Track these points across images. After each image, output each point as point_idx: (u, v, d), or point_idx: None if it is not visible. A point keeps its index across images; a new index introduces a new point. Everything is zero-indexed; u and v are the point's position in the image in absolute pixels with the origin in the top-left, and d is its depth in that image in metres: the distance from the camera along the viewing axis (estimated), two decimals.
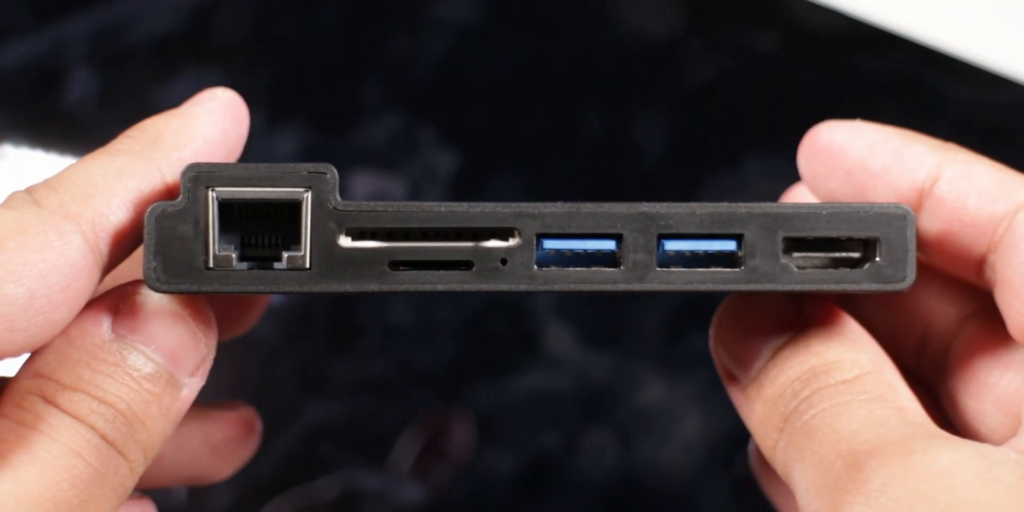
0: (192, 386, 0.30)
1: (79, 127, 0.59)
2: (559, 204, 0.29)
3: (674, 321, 0.58)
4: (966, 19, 0.60)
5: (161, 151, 0.30)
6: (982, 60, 0.59)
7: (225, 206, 0.29)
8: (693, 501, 0.56)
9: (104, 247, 0.29)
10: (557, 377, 0.57)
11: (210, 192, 0.29)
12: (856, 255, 0.30)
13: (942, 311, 0.34)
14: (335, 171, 0.29)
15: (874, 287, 0.30)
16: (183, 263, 0.29)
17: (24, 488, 0.27)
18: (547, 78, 0.61)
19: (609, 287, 0.29)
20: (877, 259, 0.30)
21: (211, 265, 0.29)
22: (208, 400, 0.54)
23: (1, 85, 0.60)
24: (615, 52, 0.62)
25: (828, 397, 0.29)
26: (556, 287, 0.29)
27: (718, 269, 0.30)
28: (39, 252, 0.27)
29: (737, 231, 0.30)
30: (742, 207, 0.30)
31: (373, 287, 0.29)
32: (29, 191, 0.29)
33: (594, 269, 0.29)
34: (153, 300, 0.29)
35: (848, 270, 0.30)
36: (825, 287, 0.30)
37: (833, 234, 0.30)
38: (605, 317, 0.59)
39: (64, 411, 0.28)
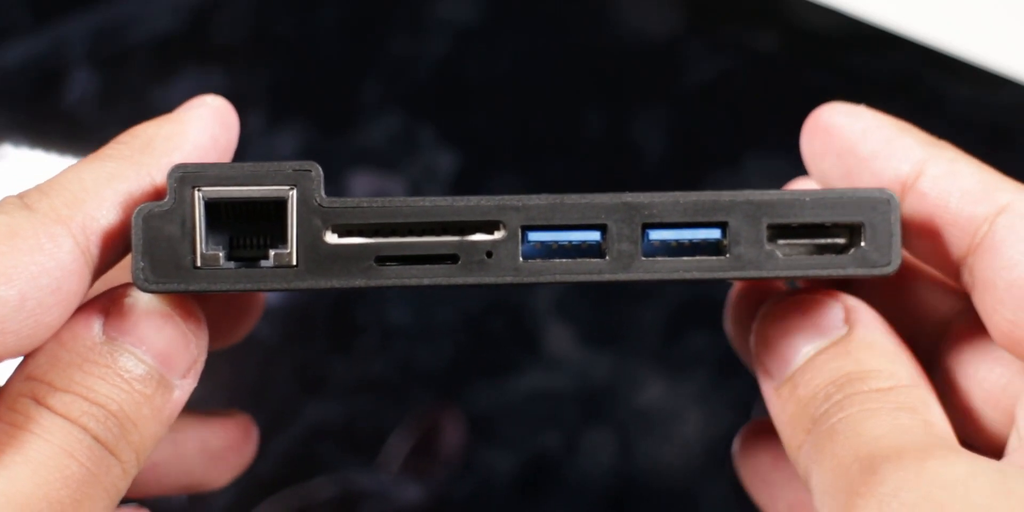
0: (184, 388, 0.30)
1: (79, 127, 0.59)
2: (543, 196, 0.29)
3: (674, 321, 0.58)
4: (966, 19, 0.60)
5: (151, 156, 0.30)
6: (982, 60, 0.59)
7: (212, 206, 0.29)
8: (693, 501, 0.56)
9: (95, 250, 0.29)
10: (557, 377, 0.57)
11: (196, 192, 0.29)
12: (841, 241, 0.30)
13: (932, 306, 0.34)
14: (319, 169, 0.29)
15: (860, 272, 0.30)
16: (171, 263, 0.29)
17: (16, 488, 0.27)
18: (547, 78, 0.61)
19: (595, 277, 0.30)
20: (862, 244, 0.30)
21: (198, 264, 0.29)
22: (208, 400, 0.54)
23: (1, 85, 0.60)
24: (615, 52, 0.62)
25: (858, 402, 0.29)
26: (542, 279, 0.29)
27: (703, 257, 0.30)
28: (30, 255, 0.28)
29: (721, 219, 0.30)
30: (725, 195, 0.30)
31: (360, 282, 0.29)
32: (21, 196, 0.29)
33: (579, 260, 0.30)
34: (143, 302, 0.30)
35: (833, 255, 0.30)
36: (811, 273, 0.30)
37: (817, 220, 0.30)
38: (605, 317, 0.59)
39: (56, 412, 0.28)
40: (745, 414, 0.56)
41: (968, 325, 0.33)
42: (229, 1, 0.61)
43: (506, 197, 0.29)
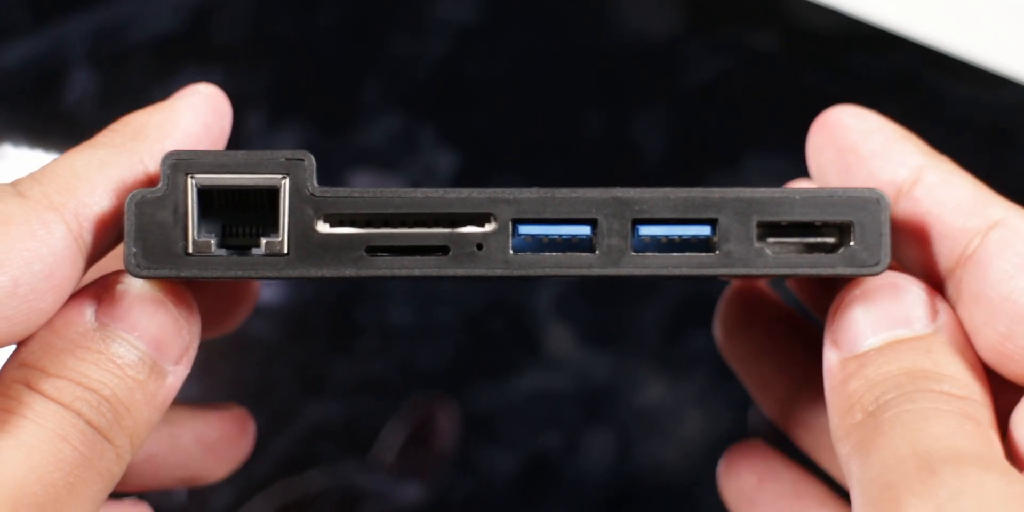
0: (177, 374, 0.30)
1: (79, 127, 0.59)
2: (534, 189, 0.30)
3: (674, 320, 0.58)
4: (966, 19, 0.60)
5: (143, 143, 0.30)
6: (982, 60, 0.59)
7: (204, 193, 0.29)
8: (693, 501, 0.56)
9: (88, 236, 0.29)
10: (557, 377, 0.57)
11: (189, 179, 0.29)
12: (831, 240, 0.30)
13: None
14: (312, 158, 0.29)
15: (848, 271, 0.30)
16: (163, 249, 0.29)
17: (10, 471, 0.27)
18: (547, 78, 0.61)
19: (584, 272, 0.30)
20: (852, 243, 0.30)
21: (190, 251, 0.29)
22: (208, 400, 0.54)
23: (1, 85, 0.60)
24: (615, 52, 0.62)
25: (929, 400, 0.29)
26: (532, 272, 0.30)
27: (693, 254, 0.30)
28: (22, 241, 0.28)
29: (711, 216, 0.30)
30: (715, 192, 0.30)
31: (350, 272, 0.29)
32: (13, 184, 0.29)
33: (569, 254, 0.30)
34: (135, 288, 0.30)
35: (822, 254, 0.30)
36: (799, 271, 0.30)
37: (807, 219, 0.30)
38: (605, 317, 0.59)
39: (49, 398, 0.28)
40: (745, 414, 0.56)
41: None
42: (229, 1, 0.61)
43: (497, 190, 0.29)
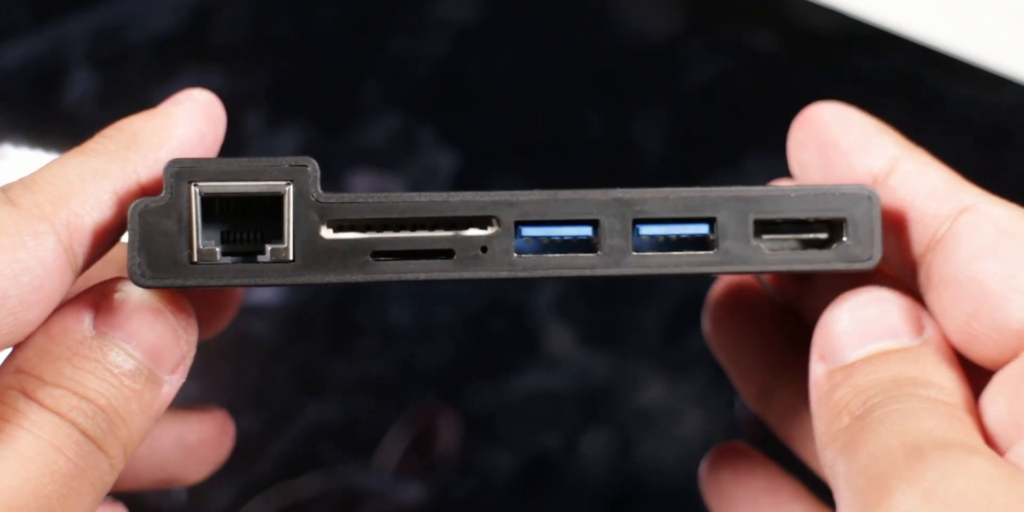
0: (172, 383, 0.30)
1: (79, 127, 0.59)
2: (536, 192, 0.30)
3: (674, 321, 0.58)
4: (966, 19, 0.60)
5: (137, 152, 0.30)
6: (982, 60, 0.59)
7: (207, 200, 0.29)
8: (693, 501, 0.56)
9: (78, 248, 0.29)
10: (557, 377, 0.57)
11: (192, 187, 0.29)
12: (823, 236, 0.31)
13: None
14: (315, 164, 0.29)
15: (842, 266, 0.31)
16: (167, 258, 0.29)
17: (5, 482, 0.27)
18: (547, 78, 0.61)
19: (587, 272, 0.30)
20: (844, 239, 0.31)
21: (195, 259, 0.29)
22: (209, 400, 0.54)
23: (1, 85, 0.60)
24: (615, 52, 0.62)
25: (916, 401, 0.29)
26: (536, 273, 0.30)
27: (692, 252, 0.30)
28: (12, 252, 0.28)
29: (709, 214, 0.30)
30: (714, 191, 0.30)
31: (357, 277, 0.29)
32: (4, 190, 0.29)
33: (572, 255, 0.30)
34: (134, 297, 0.30)
35: (817, 251, 0.31)
36: (795, 267, 0.31)
37: (802, 216, 0.31)
38: (605, 317, 0.59)
39: (44, 407, 0.28)
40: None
41: None
42: (229, 1, 0.61)
43: (501, 193, 0.30)
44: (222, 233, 0.30)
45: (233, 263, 0.29)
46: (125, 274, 0.31)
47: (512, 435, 0.57)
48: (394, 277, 0.30)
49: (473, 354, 0.58)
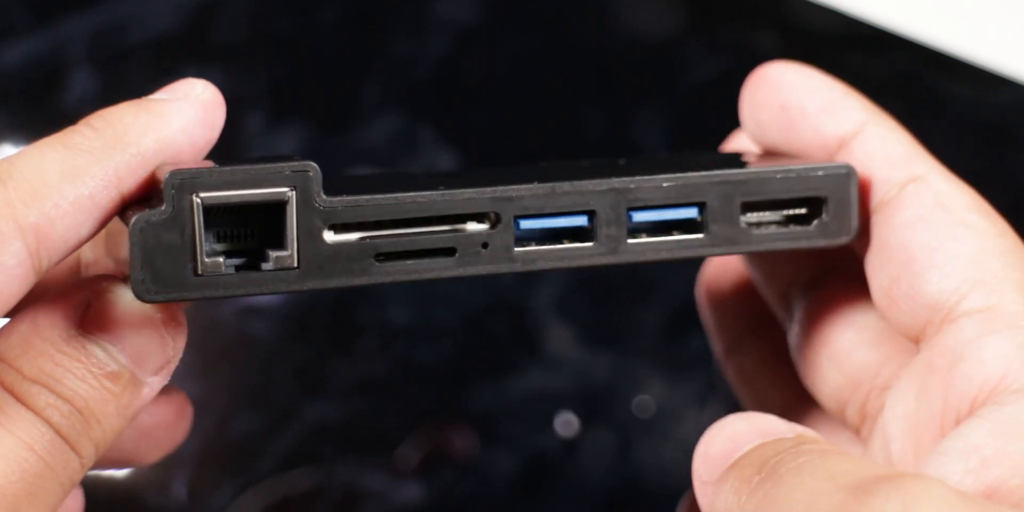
0: (153, 385, 0.30)
1: None
2: (536, 185, 0.30)
3: (674, 321, 0.58)
4: (966, 19, 0.60)
5: (123, 152, 0.29)
6: (982, 60, 0.59)
7: (208, 209, 0.28)
8: None
9: (44, 252, 0.28)
10: (557, 377, 0.57)
11: (194, 198, 0.28)
12: (802, 211, 0.32)
13: (806, 264, 0.36)
14: (317, 168, 0.29)
15: (822, 242, 0.32)
16: (171, 272, 0.28)
17: None
18: (547, 78, 0.61)
19: (585, 262, 0.31)
20: (823, 216, 0.32)
21: (200, 272, 0.28)
22: (208, 400, 0.54)
23: (1, 85, 0.60)
24: (615, 52, 0.62)
25: (816, 453, 0.28)
26: (537, 266, 0.30)
27: (684, 237, 0.31)
28: None
29: (700, 199, 0.31)
30: (704, 177, 0.31)
31: (362, 281, 0.29)
32: None
33: (570, 246, 0.31)
34: (125, 299, 0.29)
35: (799, 228, 0.32)
36: (779, 246, 0.32)
37: (786, 196, 0.32)
38: (605, 317, 0.59)
39: (22, 402, 0.28)
40: None
41: (835, 285, 0.35)
42: (229, 1, 0.61)
43: (500, 188, 0.30)
44: (223, 240, 0.29)
45: (237, 274, 0.29)
46: (105, 260, 0.30)
47: (512, 435, 0.57)
48: (399, 278, 0.30)
49: (473, 354, 0.58)
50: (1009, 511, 0.26)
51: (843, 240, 0.32)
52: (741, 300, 0.39)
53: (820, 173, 0.32)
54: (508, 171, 0.34)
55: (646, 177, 0.31)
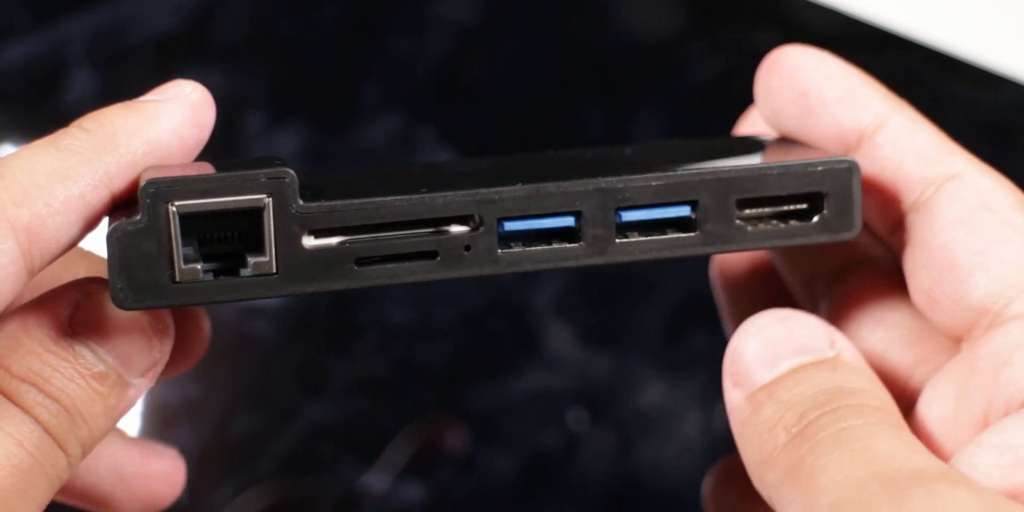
0: (139, 387, 0.30)
1: None
2: (519, 187, 0.30)
3: (674, 321, 0.58)
4: (966, 19, 0.60)
5: (113, 154, 0.29)
6: (982, 60, 0.59)
7: (184, 217, 0.28)
8: (693, 501, 0.56)
9: (36, 252, 0.28)
10: (557, 377, 0.57)
11: (170, 207, 0.28)
12: (803, 206, 0.31)
13: (831, 255, 0.35)
14: (293, 174, 0.29)
15: (823, 238, 0.31)
16: (149, 280, 0.28)
17: None
18: (547, 78, 0.61)
19: (572, 263, 0.30)
20: (825, 212, 0.31)
21: (178, 279, 0.28)
22: (208, 400, 0.54)
23: (1, 85, 0.60)
24: (615, 52, 0.62)
25: (856, 415, 0.29)
26: (521, 268, 0.30)
27: (675, 235, 0.30)
28: None
29: (691, 198, 0.30)
30: (695, 175, 0.30)
31: (341, 285, 0.29)
32: None
33: (556, 247, 0.30)
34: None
35: (798, 224, 0.31)
36: (777, 243, 0.31)
37: (783, 192, 0.31)
38: (605, 317, 0.59)
39: (11, 400, 0.28)
40: None
41: (860, 281, 0.34)
42: (229, 1, 0.62)
43: (482, 190, 0.29)
44: (201, 246, 0.29)
45: (216, 280, 0.29)
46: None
47: (512, 435, 0.57)
48: (379, 282, 0.29)
49: (473, 354, 0.58)
50: None
51: (847, 236, 0.31)
52: (758, 283, 0.39)
53: (819, 168, 0.31)
54: (497, 167, 0.33)
55: (634, 176, 0.30)
